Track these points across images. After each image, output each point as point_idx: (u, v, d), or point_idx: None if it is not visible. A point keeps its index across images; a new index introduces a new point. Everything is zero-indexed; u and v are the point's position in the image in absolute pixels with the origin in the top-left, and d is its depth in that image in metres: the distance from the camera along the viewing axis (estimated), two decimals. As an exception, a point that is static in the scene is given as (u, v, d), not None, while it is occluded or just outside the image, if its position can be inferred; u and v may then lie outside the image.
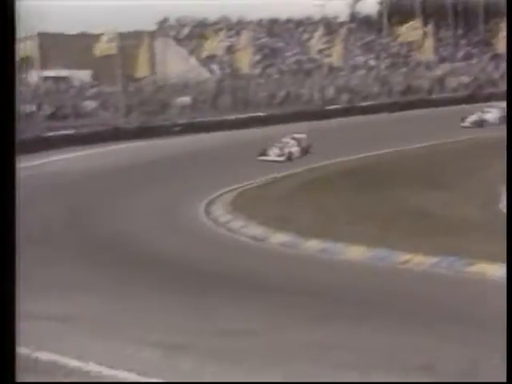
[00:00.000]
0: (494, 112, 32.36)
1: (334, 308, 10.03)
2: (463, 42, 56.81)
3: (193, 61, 52.19)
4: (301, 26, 58.17)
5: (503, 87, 23.47)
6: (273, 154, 27.01)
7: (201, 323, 9.30)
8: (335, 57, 50.52)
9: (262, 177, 23.73)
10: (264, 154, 26.94)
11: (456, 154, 25.81)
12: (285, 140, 27.59)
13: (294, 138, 27.81)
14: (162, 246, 15.41)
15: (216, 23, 54.13)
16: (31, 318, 9.48)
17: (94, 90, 43.81)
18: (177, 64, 51.43)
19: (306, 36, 55.24)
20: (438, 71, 53.06)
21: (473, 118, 33.01)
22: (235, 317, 9.56)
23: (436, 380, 6.83)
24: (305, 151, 27.47)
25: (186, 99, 43.54)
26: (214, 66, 50.44)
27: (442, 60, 55.71)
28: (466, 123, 33.06)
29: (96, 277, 12.45)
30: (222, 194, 21.53)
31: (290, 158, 26.93)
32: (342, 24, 56.06)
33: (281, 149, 27.21)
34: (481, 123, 32.19)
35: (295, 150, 27.42)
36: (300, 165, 25.94)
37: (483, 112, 33.03)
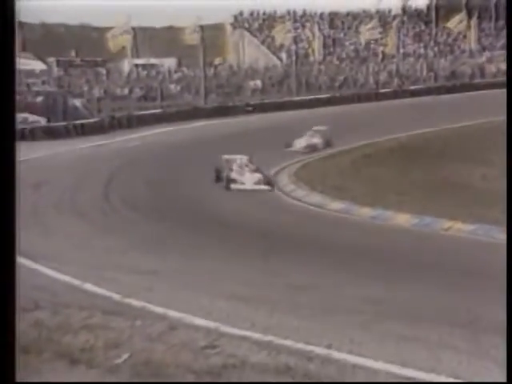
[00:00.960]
0: (317, 137, 25.70)
1: (385, 266, 9.90)
2: (503, 33, 55.30)
3: (264, 49, 52.09)
4: (358, 18, 57.45)
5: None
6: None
7: (269, 279, 9.27)
8: (388, 46, 50.07)
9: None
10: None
11: (493, 132, 25.08)
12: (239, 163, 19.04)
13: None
14: (233, 210, 15.43)
15: (283, 16, 54.01)
16: (124, 270, 9.71)
17: (178, 75, 44.19)
18: (250, 52, 51.43)
19: (362, 28, 54.61)
20: (480, 59, 51.95)
21: (302, 143, 25.06)
22: (299, 273, 9.52)
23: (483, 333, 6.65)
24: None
25: (258, 82, 43.62)
26: (283, 54, 50.26)
27: (484, 49, 54.45)
28: (297, 148, 24.79)
29: (176, 237, 12.51)
30: (286, 166, 21.48)
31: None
32: (395, 17, 55.31)
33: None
34: (313, 147, 24.89)
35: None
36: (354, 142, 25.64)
37: (311, 136, 25.54)
